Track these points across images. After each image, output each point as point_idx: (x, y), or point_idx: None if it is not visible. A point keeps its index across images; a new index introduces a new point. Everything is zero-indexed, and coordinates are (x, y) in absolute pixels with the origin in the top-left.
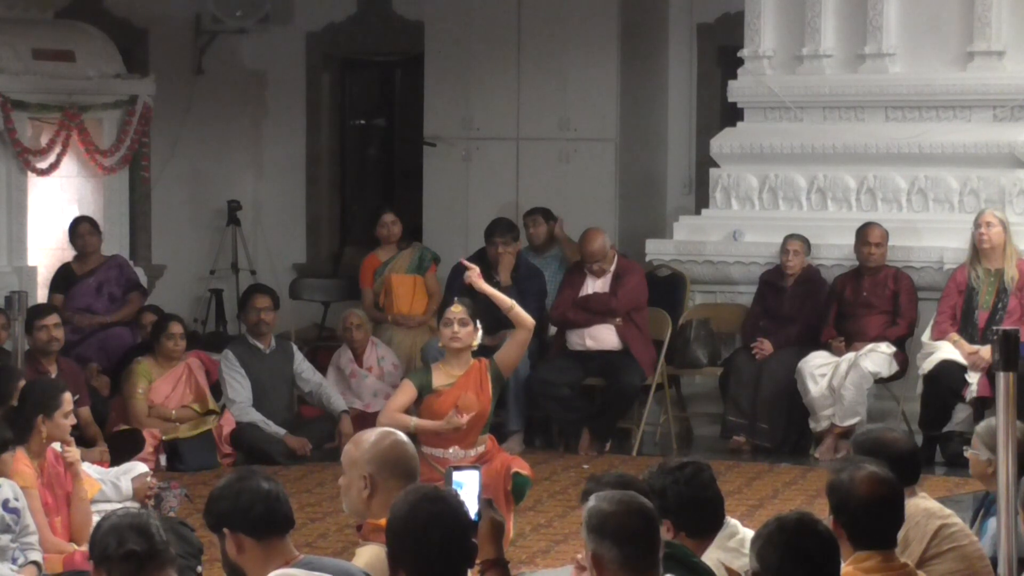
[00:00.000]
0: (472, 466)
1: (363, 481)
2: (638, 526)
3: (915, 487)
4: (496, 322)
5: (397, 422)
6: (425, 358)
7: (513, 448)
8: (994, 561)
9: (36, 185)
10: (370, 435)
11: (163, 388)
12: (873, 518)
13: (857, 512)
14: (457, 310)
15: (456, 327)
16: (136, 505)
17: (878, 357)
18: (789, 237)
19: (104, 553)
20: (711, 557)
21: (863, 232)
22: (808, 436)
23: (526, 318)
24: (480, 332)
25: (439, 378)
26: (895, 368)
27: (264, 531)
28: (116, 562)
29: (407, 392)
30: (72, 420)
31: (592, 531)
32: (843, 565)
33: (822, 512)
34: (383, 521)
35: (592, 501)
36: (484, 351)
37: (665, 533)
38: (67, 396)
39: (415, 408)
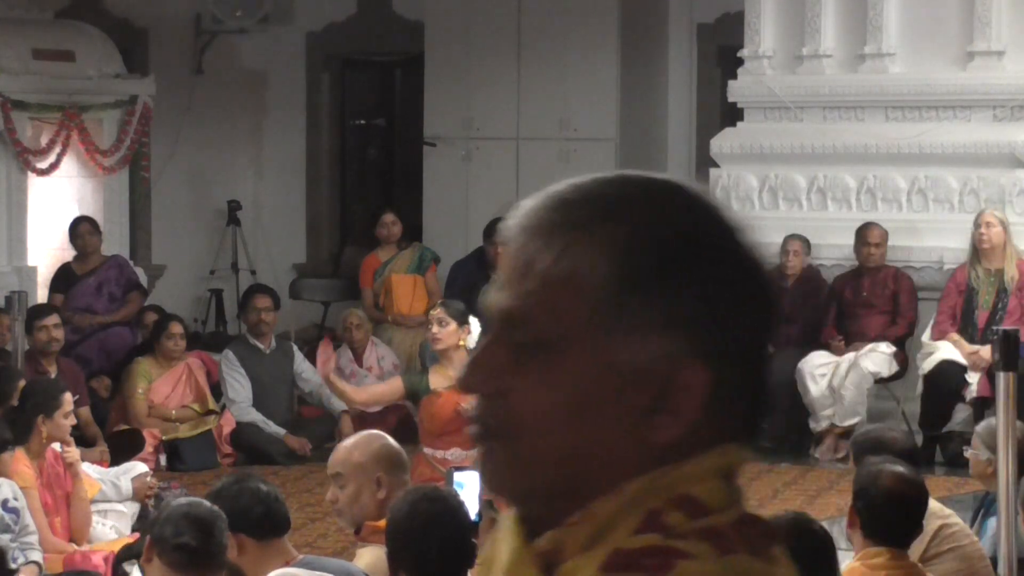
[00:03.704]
0: (473, 467)
1: (376, 484)
2: None
3: None
4: None
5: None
6: (423, 357)
7: None
8: (994, 561)
9: (36, 185)
10: (360, 440)
11: (163, 388)
12: (890, 512)
13: (876, 502)
14: (435, 312)
15: (435, 327)
16: (137, 505)
17: (878, 357)
18: (789, 237)
19: (160, 535)
20: None
21: (863, 232)
22: (808, 436)
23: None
24: (473, 333)
25: (436, 380)
26: (895, 368)
27: (264, 531)
28: (169, 549)
29: (393, 386)
30: (72, 420)
31: None
32: (852, 559)
33: (821, 512)
34: (382, 523)
35: None
36: None
37: None
38: (67, 396)
39: (414, 409)
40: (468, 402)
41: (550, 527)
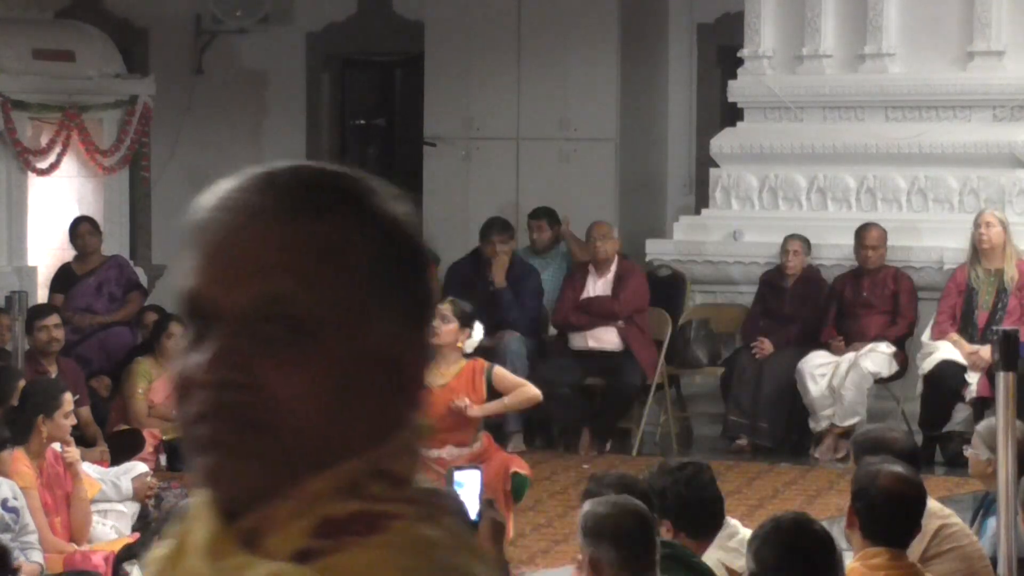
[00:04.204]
0: (473, 466)
1: None
2: (633, 527)
3: None
4: (494, 323)
5: None
6: None
7: (516, 448)
8: (994, 561)
9: (36, 185)
10: None
11: (163, 388)
12: (889, 512)
13: (875, 502)
14: (443, 306)
15: (437, 321)
16: (137, 505)
17: (878, 357)
18: (789, 237)
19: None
20: (711, 557)
21: (860, 235)
22: (808, 436)
23: (530, 399)
24: (474, 336)
25: (429, 377)
26: (895, 368)
27: None
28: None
29: None
30: (72, 420)
31: (588, 535)
32: (852, 559)
33: (821, 512)
34: None
35: (586, 506)
36: (484, 351)
37: (665, 533)
38: (67, 396)
39: None
40: (460, 398)
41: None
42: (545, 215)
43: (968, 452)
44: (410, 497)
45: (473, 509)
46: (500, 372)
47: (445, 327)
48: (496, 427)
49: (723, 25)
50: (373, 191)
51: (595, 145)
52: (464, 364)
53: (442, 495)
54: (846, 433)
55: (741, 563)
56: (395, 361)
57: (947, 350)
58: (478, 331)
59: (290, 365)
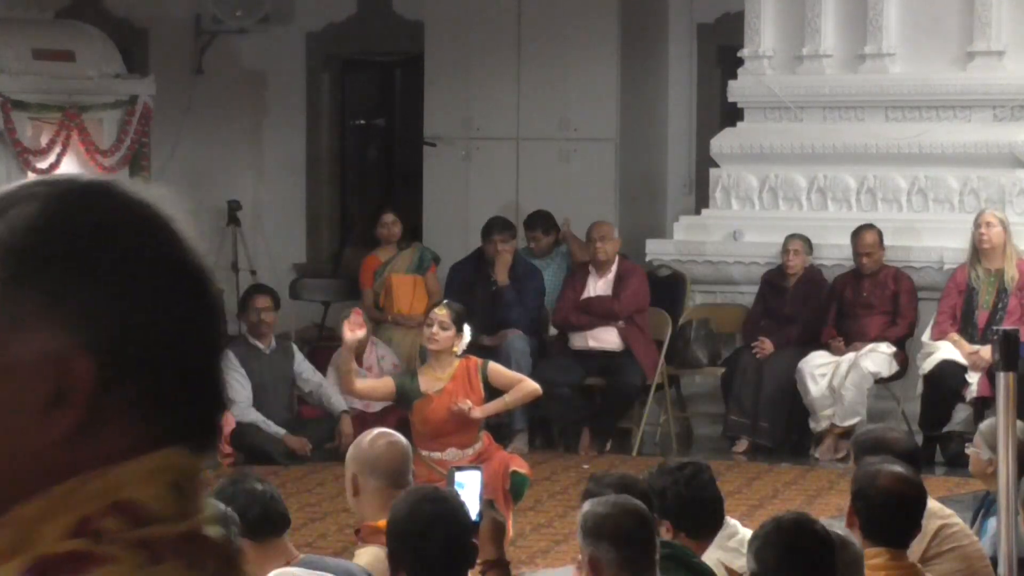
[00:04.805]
0: (474, 466)
1: (352, 483)
2: (633, 527)
3: None
4: (496, 323)
5: (347, 379)
6: (423, 357)
7: (519, 448)
8: (994, 561)
9: None
10: (367, 436)
11: None
12: (889, 512)
13: (874, 502)
14: (440, 312)
15: (436, 328)
16: None
17: (878, 357)
18: (790, 237)
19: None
20: (711, 557)
21: (854, 241)
22: (808, 436)
23: (530, 394)
24: (466, 338)
25: (426, 383)
26: (895, 368)
27: (262, 532)
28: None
29: (384, 383)
30: None
31: (588, 535)
32: None
33: (821, 512)
34: (382, 523)
35: (586, 506)
36: (482, 350)
37: (665, 534)
38: None
39: (407, 411)
40: (462, 401)
41: None
42: (539, 224)
43: (969, 450)
44: (147, 539)
45: (474, 509)
46: (495, 368)
47: (443, 334)
48: (500, 426)
49: (723, 25)
50: (53, 197)
51: (595, 145)
52: (458, 364)
53: (205, 542)
54: (846, 433)
55: (741, 563)
56: (54, 374)
57: (947, 350)
58: (467, 333)
59: None
